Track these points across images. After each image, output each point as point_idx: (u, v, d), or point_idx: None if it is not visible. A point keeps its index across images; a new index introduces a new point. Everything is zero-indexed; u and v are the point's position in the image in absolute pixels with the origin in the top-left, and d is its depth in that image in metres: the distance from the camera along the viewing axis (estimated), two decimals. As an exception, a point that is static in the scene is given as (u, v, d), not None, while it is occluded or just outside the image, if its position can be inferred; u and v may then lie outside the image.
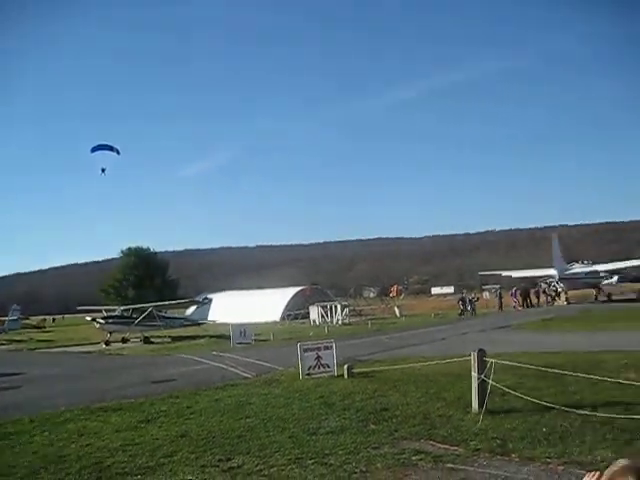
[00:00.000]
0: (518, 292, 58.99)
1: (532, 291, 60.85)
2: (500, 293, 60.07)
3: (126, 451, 10.41)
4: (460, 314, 53.60)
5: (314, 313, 54.55)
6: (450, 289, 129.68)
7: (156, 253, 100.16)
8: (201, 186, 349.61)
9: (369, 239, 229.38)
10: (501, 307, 57.21)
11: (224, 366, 22.60)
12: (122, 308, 43.94)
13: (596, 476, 2.33)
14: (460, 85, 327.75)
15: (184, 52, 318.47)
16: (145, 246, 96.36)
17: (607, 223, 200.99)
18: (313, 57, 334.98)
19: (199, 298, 61.55)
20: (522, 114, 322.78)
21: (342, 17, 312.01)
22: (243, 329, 34.00)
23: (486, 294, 68.63)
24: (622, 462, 2.21)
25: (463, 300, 56.19)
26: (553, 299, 59.75)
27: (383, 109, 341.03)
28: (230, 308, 59.40)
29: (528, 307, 56.97)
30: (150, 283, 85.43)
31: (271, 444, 10.37)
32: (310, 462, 9.19)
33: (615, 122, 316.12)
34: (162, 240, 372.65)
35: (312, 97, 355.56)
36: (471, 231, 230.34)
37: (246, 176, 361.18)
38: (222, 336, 36.84)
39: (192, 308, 61.88)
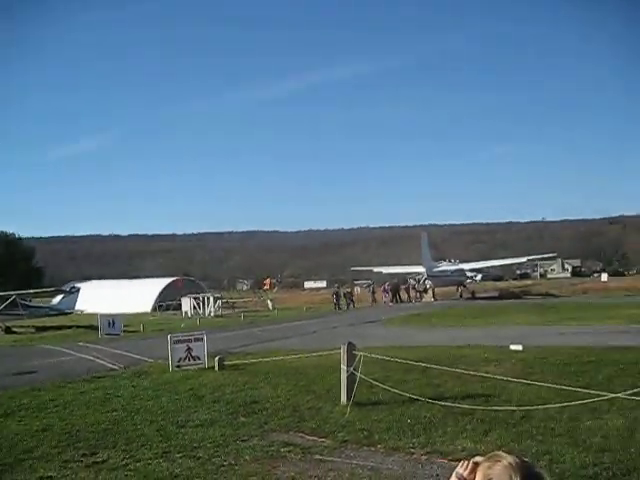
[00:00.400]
0: (389, 288, 60.66)
1: (402, 287, 62.70)
2: (373, 288, 61.55)
3: (-19, 447, 9.91)
4: (335, 308, 54.54)
5: (186, 305, 53.80)
6: (323, 284, 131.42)
7: (21, 239, 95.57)
8: (71, 169, 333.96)
9: (244, 231, 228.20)
10: (374, 301, 58.63)
11: (91, 357, 21.90)
12: (-19, 296, 41.53)
13: (469, 468, 2.27)
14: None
15: None
16: (10, 231, 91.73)
17: (473, 224, 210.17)
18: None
19: (66, 287, 59.14)
20: (391, 113, 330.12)
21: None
22: (112, 319, 33.03)
23: (357, 289, 70.03)
24: (505, 461, 2.16)
25: (337, 294, 57.13)
26: (421, 295, 61.84)
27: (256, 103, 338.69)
28: (99, 298, 57.42)
29: (398, 302, 58.68)
30: (13, 270, 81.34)
31: (138, 437, 10.18)
32: (178, 455, 9.09)
33: (490, 129, 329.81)
34: (28, 225, 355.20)
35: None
36: (345, 227, 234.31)
37: (119, 161, 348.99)
38: (90, 327, 35.60)
39: (59, 297, 59.17)
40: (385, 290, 60.02)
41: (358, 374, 12.07)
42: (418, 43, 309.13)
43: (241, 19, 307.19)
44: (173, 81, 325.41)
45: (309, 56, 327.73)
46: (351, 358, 12.16)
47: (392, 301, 58.98)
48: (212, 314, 50.39)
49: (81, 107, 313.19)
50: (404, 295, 61.57)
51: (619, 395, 10.22)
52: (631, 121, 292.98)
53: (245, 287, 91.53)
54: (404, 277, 66.51)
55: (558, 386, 11.26)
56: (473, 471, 2.25)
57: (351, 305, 56.00)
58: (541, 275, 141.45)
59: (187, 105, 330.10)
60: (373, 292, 60.30)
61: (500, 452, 2.26)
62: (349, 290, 61.57)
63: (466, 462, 2.30)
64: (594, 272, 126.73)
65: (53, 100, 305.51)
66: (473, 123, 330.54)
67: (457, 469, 2.33)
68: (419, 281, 62.85)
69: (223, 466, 8.55)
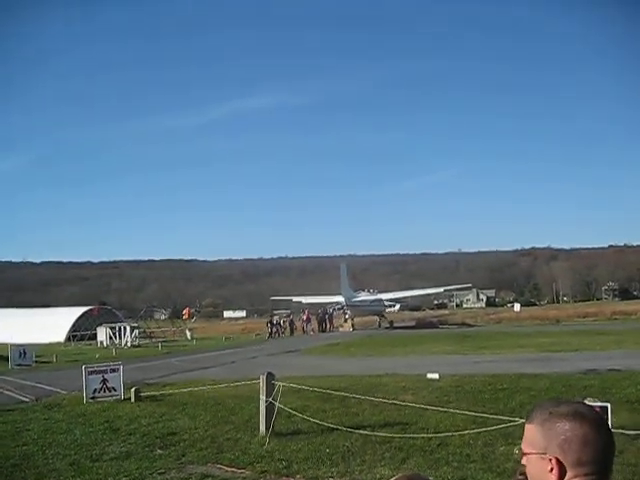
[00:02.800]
0: (313, 317, 60.99)
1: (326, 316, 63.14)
2: (292, 319, 61.59)
3: None
4: (269, 336, 54.93)
5: (102, 334, 52.49)
6: (242, 313, 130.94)
7: None
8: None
9: (162, 259, 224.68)
10: (292, 332, 58.61)
11: (-1, 390, 21.06)
12: None
13: None
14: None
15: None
16: None
17: (391, 255, 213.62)
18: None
19: (-26, 315, 56.94)
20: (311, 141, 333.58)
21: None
22: (23, 350, 31.90)
23: (276, 318, 70.00)
24: (398, 475, 2.31)
25: (272, 323, 57.60)
26: (340, 325, 62.25)
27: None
28: (10, 327, 55.39)
29: (324, 332, 58.89)
30: None
31: (50, 472, 9.85)
32: (92, 490, 8.84)
33: (397, 163, 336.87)
34: None
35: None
36: (265, 256, 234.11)
37: (30, 183, 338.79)
38: (-1, 357, 34.25)
39: (-36, 326, 56.98)
40: (308, 319, 60.16)
41: (277, 404, 12.04)
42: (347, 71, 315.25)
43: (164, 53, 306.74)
44: (86, 103, 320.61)
45: (226, 87, 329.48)
46: (270, 388, 12.12)
47: (319, 329, 59.36)
48: (129, 344, 49.27)
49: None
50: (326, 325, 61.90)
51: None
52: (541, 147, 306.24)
53: (163, 317, 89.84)
54: (323, 307, 66.87)
55: (473, 413, 11.54)
56: None
57: (277, 335, 56.24)
58: (457, 305, 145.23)
59: (100, 128, 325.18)
60: (292, 322, 60.32)
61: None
62: (284, 320, 61.55)
63: None
64: (507, 302, 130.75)
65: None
66: (391, 156, 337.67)
67: None
68: (338, 310, 63.32)
69: (139, 500, 8.37)
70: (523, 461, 2.08)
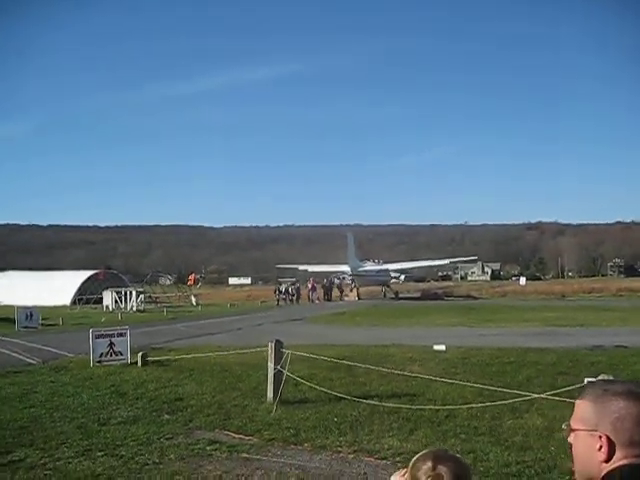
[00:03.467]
0: (318, 286, 61.11)
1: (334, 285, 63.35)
2: (298, 287, 61.73)
3: None
4: (277, 304, 55.41)
5: (108, 298, 52.64)
6: (247, 280, 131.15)
7: None
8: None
9: (168, 225, 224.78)
10: (297, 300, 58.73)
11: (6, 351, 21.08)
12: None
13: (402, 472, 2.32)
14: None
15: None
16: None
17: (397, 225, 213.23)
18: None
19: (-20, 277, 57.18)
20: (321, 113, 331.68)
21: None
22: (30, 312, 32.05)
23: (284, 286, 70.21)
24: (424, 451, 2.29)
25: (279, 290, 58.16)
26: (345, 294, 62.34)
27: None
28: (16, 289, 55.66)
29: (329, 300, 59.05)
30: None
31: (57, 435, 9.84)
32: (100, 454, 8.82)
33: (408, 135, 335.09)
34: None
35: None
36: (271, 224, 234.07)
37: (38, 148, 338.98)
38: (6, 319, 34.37)
39: (-29, 288, 57.25)
40: (313, 288, 60.26)
41: (285, 372, 12.01)
42: (351, 44, 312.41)
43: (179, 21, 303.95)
44: (94, 72, 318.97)
45: (232, 58, 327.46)
46: (278, 355, 12.08)
47: (324, 298, 59.51)
48: (134, 309, 49.48)
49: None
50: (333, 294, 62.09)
51: (540, 395, 10.49)
52: (550, 125, 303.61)
53: (168, 282, 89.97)
54: (328, 276, 66.89)
55: (480, 386, 11.51)
56: None
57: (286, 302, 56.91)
58: (462, 277, 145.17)
59: (109, 95, 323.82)
60: (298, 290, 60.47)
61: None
62: (290, 287, 61.66)
63: (403, 470, 2.34)
64: (512, 276, 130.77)
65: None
66: (398, 127, 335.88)
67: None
68: (343, 280, 63.37)
69: (147, 465, 8.35)
70: (570, 438, 2.03)
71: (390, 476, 2.37)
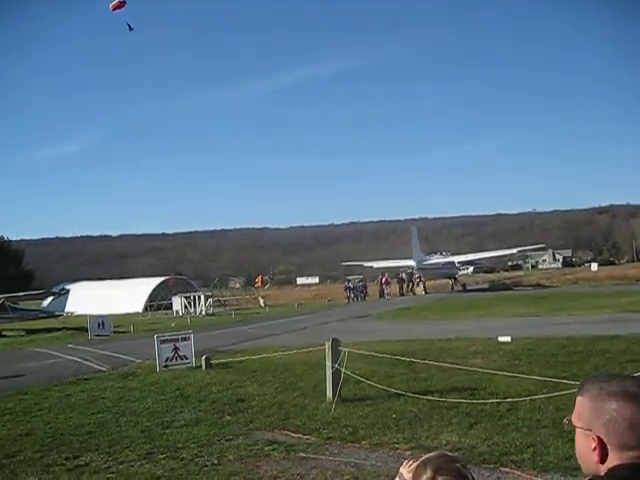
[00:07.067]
0: (393, 281, 61.14)
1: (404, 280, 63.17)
2: (364, 284, 61.70)
3: (-37, 453, 9.79)
4: (348, 301, 55.73)
5: (177, 304, 53.74)
6: (315, 279, 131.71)
7: (10, 242, 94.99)
8: (58, 171, 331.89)
9: (234, 229, 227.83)
10: (364, 297, 58.68)
11: (79, 359, 21.76)
12: (-30, 300, 41.18)
13: (410, 463, 2.30)
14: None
15: None
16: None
17: (463, 217, 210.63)
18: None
19: (56, 289, 59.01)
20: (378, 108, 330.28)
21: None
22: (102, 320, 32.95)
23: (352, 284, 70.27)
24: (431, 454, 2.24)
25: (349, 288, 58.19)
26: (412, 289, 61.94)
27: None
28: (89, 299, 57.31)
29: (402, 295, 58.84)
30: (3, 273, 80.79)
31: (122, 439, 10.10)
32: (161, 457, 9.01)
33: (477, 122, 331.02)
34: (17, 228, 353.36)
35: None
36: (336, 222, 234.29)
37: (104, 161, 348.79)
38: (80, 328, 35.44)
39: (49, 299, 59.19)
40: (387, 282, 60.07)
41: (343, 370, 12.00)
42: (403, 37, 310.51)
43: (227, 18, 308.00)
44: (157, 80, 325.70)
45: (294, 54, 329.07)
46: (336, 354, 12.08)
47: (399, 293, 59.47)
48: (203, 313, 50.29)
49: (63, 108, 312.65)
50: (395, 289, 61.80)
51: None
52: (618, 110, 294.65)
53: (237, 285, 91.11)
54: (395, 271, 66.54)
55: (545, 377, 11.24)
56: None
57: (357, 299, 57.22)
58: (532, 266, 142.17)
59: (172, 104, 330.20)
60: (365, 287, 60.42)
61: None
62: (362, 284, 61.81)
63: (411, 461, 2.31)
64: (585, 262, 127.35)
65: (35, 102, 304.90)
66: (459, 116, 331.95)
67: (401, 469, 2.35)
68: (411, 274, 62.96)
69: (206, 466, 8.48)
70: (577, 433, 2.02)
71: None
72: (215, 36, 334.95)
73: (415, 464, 2.26)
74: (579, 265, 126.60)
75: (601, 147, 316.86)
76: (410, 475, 2.27)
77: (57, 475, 8.46)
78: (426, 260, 63.43)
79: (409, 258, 62.57)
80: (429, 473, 2.14)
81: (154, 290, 64.62)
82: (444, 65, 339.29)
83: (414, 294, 59.69)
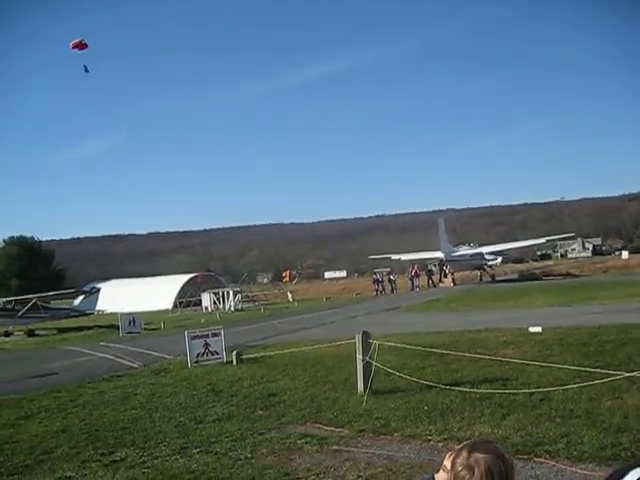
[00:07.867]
0: (423, 273, 61.00)
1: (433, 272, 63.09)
2: (391, 277, 61.60)
3: (2, 450, 9.96)
4: (375, 294, 55.84)
5: (206, 300, 54.15)
6: (343, 273, 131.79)
7: (40, 242, 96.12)
8: (86, 170, 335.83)
9: (262, 224, 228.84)
10: (392, 289, 58.59)
11: (111, 357, 22.05)
12: (4, 300, 41.87)
13: (451, 454, 2.39)
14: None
15: None
16: (29, 235, 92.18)
17: (491, 207, 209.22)
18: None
19: (87, 288, 59.81)
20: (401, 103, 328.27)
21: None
22: (132, 318, 33.34)
23: (380, 276, 70.20)
24: (473, 440, 2.31)
25: (377, 281, 58.37)
26: (440, 280, 61.73)
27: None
28: (120, 297, 58.02)
29: (430, 287, 58.70)
30: (34, 273, 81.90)
31: (156, 435, 10.21)
32: (195, 451, 9.09)
33: (503, 114, 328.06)
34: (47, 229, 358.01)
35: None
36: (363, 215, 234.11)
37: (131, 160, 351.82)
38: (111, 326, 35.93)
39: (80, 298, 59.95)
40: (416, 274, 59.90)
41: (374, 362, 12.00)
42: (417, 32, 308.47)
43: (238, 16, 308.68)
44: (177, 79, 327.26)
45: (306, 51, 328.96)
46: (366, 347, 12.09)
47: (428, 285, 59.35)
48: (232, 308, 50.61)
49: (88, 108, 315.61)
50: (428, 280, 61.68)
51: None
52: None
53: (265, 280, 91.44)
54: (423, 263, 66.31)
55: (577, 367, 11.15)
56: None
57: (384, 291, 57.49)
58: (562, 255, 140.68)
59: (194, 102, 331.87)
60: (390, 280, 60.31)
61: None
62: (391, 277, 61.82)
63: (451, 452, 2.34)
64: (615, 250, 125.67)
65: (60, 102, 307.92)
66: (485, 108, 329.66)
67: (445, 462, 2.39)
68: (440, 266, 62.73)
69: (239, 460, 8.53)
70: None
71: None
72: (234, 36, 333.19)
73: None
74: (609, 253, 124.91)
75: (629, 133, 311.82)
76: (449, 461, 2.30)
77: (94, 470, 8.57)
78: (454, 251, 63.03)
79: (437, 250, 62.28)
80: (465, 453, 2.18)
81: (183, 287, 65.17)
82: (462, 61, 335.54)
83: (440, 285, 59.58)
